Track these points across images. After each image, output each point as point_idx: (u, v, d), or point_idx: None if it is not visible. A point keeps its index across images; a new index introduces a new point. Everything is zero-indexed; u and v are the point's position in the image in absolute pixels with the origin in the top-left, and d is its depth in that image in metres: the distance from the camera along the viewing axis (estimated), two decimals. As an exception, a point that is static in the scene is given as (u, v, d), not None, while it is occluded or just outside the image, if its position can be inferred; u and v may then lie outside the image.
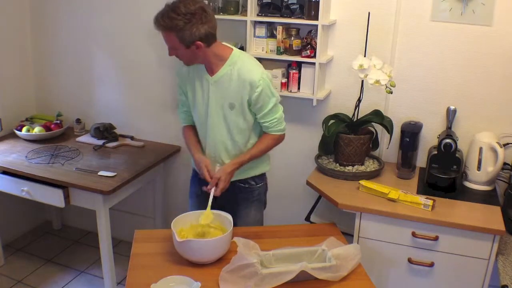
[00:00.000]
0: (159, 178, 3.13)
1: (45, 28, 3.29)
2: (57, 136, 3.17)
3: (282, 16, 2.54)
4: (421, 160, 2.61)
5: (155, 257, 1.95)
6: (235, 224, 1.98)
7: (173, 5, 1.91)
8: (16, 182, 2.70)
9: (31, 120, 3.27)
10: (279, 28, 2.54)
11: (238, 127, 2.11)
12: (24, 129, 3.09)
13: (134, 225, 2.89)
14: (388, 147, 2.61)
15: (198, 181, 2.33)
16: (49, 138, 3.12)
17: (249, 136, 2.16)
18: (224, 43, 2.11)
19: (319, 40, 2.47)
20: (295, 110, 2.79)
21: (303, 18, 2.51)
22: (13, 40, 3.24)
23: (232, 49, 2.09)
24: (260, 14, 2.59)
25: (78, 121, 3.28)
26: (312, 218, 2.60)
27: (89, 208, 2.64)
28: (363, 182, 2.34)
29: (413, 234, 2.17)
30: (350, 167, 2.50)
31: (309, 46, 2.54)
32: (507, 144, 2.44)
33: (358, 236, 2.25)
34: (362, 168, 2.51)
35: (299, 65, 2.60)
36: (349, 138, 2.47)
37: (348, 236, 2.26)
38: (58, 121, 3.22)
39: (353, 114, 2.56)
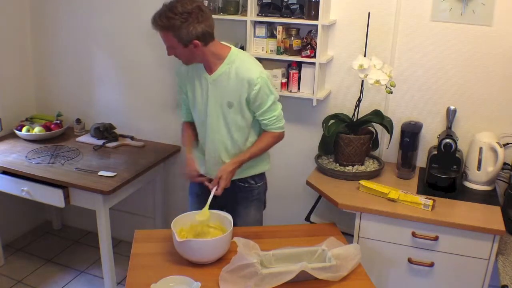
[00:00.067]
0: (159, 178, 3.13)
1: (45, 28, 3.29)
2: (57, 136, 3.17)
3: (282, 16, 2.54)
4: (421, 160, 2.61)
5: (155, 257, 1.95)
6: (234, 224, 1.98)
7: (170, 5, 1.93)
8: (16, 182, 2.70)
9: (31, 120, 3.27)
10: (279, 28, 2.54)
11: (237, 125, 2.11)
12: (24, 129, 3.09)
13: (134, 225, 2.89)
14: (388, 147, 2.61)
15: None
16: (49, 138, 3.12)
17: (248, 134, 2.16)
18: (222, 42, 2.11)
19: (319, 40, 2.47)
20: (295, 110, 2.79)
21: (303, 18, 2.51)
22: (13, 40, 3.24)
23: (230, 47, 2.09)
24: (260, 14, 2.59)
25: (78, 121, 3.28)
26: (312, 218, 2.60)
27: (89, 208, 2.64)
28: (363, 182, 2.34)
29: (413, 234, 2.17)
30: (350, 167, 2.50)
31: (309, 46, 2.54)
32: (507, 144, 2.44)
33: (358, 236, 2.25)
34: (362, 168, 2.51)
35: (299, 65, 2.60)
36: (349, 138, 2.47)
37: (348, 236, 2.26)
38: (58, 121, 3.22)
39: (353, 114, 2.56)
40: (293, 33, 2.56)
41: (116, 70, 3.21)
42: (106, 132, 3.10)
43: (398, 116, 2.61)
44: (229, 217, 1.99)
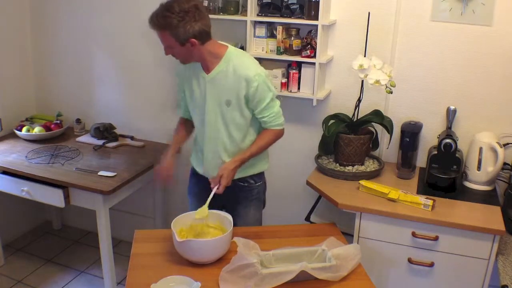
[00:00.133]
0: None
1: (45, 28, 3.29)
2: (57, 136, 3.17)
3: (282, 16, 2.54)
4: (421, 160, 2.61)
5: (155, 257, 1.95)
6: (234, 224, 1.98)
7: (167, 4, 1.94)
8: (16, 182, 2.70)
9: (31, 120, 3.27)
10: (279, 28, 2.54)
11: (235, 123, 2.12)
12: (24, 129, 3.09)
13: (134, 225, 2.89)
14: (388, 147, 2.61)
15: (196, 179, 2.34)
16: (49, 138, 3.12)
17: (247, 132, 2.16)
18: (220, 42, 2.11)
19: (319, 40, 2.47)
20: (295, 110, 2.79)
21: (303, 18, 2.51)
22: (13, 40, 3.24)
23: (227, 46, 2.10)
24: (260, 14, 2.59)
25: (78, 121, 3.28)
26: (312, 218, 2.60)
27: (89, 208, 2.64)
28: (363, 182, 2.34)
29: (413, 234, 2.17)
30: (350, 167, 2.50)
31: (309, 46, 2.54)
32: (507, 144, 2.44)
33: (358, 236, 2.25)
34: (362, 168, 2.51)
35: (299, 65, 2.60)
36: (349, 138, 2.47)
37: (348, 236, 2.26)
38: (58, 121, 3.22)
39: (353, 114, 2.56)
40: (293, 33, 2.56)
41: (116, 70, 3.21)
42: (106, 132, 3.10)
43: (398, 116, 2.61)
44: (229, 217, 1.99)
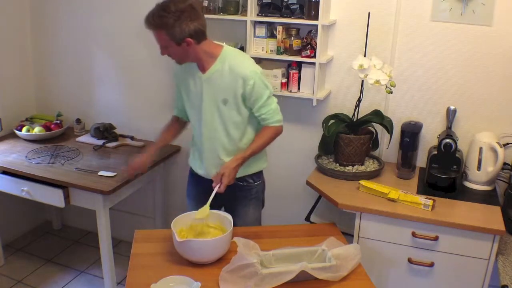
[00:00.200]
0: (159, 178, 3.13)
1: (45, 28, 3.29)
2: (57, 136, 3.17)
3: (282, 16, 2.54)
4: (421, 160, 2.61)
5: (155, 257, 1.95)
6: (233, 223, 1.98)
7: (162, 4, 1.95)
8: (16, 182, 2.70)
9: (31, 120, 3.27)
10: (279, 28, 2.54)
11: (233, 121, 2.12)
12: (24, 129, 3.09)
13: (134, 225, 2.89)
14: (388, 147, 2.61)
15: (195, 181, 2.34)
16: (49, 138, 3.12)
17: (245, 131, 2.16)
18: (215, 42, 2.12)
19: (319, 40, 2.47)
20: (295, 110, 2.79)
21: (303, 18, 2.51)
22: (13, 40, 3.24)
23: (222, 46, 2.10)
24: (260, 14, 2.59)
25: (78, 121, 3.28)
26: (312, 218, 2.60)
27: (89, 208, 2.64)
28: (363, 182, 2.34)
29: (413, 234, 2.17)
30: (350, 167, 2.50)
31: (309, 46, 2.54)
32: (507, 144, 2.44)
33: (358, 236, 2.25)
34: (362, 168, 2.51)
35: (299, 65, 2.60)
36: (349, 138, 2.47)
37: (348, 236, 2.26)
38: (58, 121, 3.22)
39: (353, 114, 2.56)
40: (293, 33, 2.56)
41: (116, 70, 3.21)
42: (106, 132, 3.10)
43: (398, 116, 2.61)
44: (229, 217, 1.99)
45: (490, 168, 2.35)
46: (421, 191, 2.34)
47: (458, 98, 2.50)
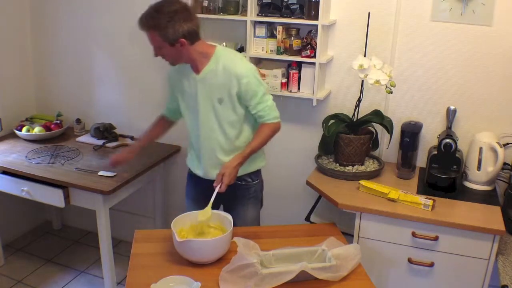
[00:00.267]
0: (159, 178, 3.13)
1: (45, 28, 3.29)
2: (57, 136, 3.17)
3: (282, 16, 2.54)
4: (421, 160, 2.61)
5: (155, 257, 1.95)
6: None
7: (156, 6, 1.97)
8: (16, 182, 2.70)
9: (31, 120, 3.27)
10: (279, 28, 2.54)
11: (229, 121, 2.12)
12: (24, 129, 3.09)
13: (134, 225, 2.89)
14: (388, 147, 2.61)
15: (194, 182, 2.34)
16: (49, 138, 3.12)
17: (241, 129, 2.16)
18: (209, 42, 2.12)
19: (319, 40, 2.47)
20: (295, 110, 2.79)
21: (303, 18, 2.51)
22: (13, 40, 3.24)
23: (215, 46, 2.11)
24: (260, 14, 2.59)
25: (78, 121, 3.28)
26: (312, 218, 2.60)
27: (89, 208, 2.64)
28: (363, 182, 2.34)
29: (413, 234, 2.17)
30: (350, 167, 2.50)
31: (309, 46, 2.54)
32: (507, 144, 2.44)
33: (358, 236, 2.25)
34: (362, 168, 2.51)
35: (299, 65, 2.60)
36: (349, 138, 2.47)
37: (348, 236, 2.26)
38: (58, 121, 3.22)
39: (353, 114, 2.56)
40: (293, 33, 2.56)
41: (116, 70, 3.21)
42: (106, 132, 3.10)
43: (398, 116, 2.61)
44: (229, 217, 1.99)
45: (490, 168, 2.35)
46: (421, 191, 2.34)
47: (458, 98, 2.50)
